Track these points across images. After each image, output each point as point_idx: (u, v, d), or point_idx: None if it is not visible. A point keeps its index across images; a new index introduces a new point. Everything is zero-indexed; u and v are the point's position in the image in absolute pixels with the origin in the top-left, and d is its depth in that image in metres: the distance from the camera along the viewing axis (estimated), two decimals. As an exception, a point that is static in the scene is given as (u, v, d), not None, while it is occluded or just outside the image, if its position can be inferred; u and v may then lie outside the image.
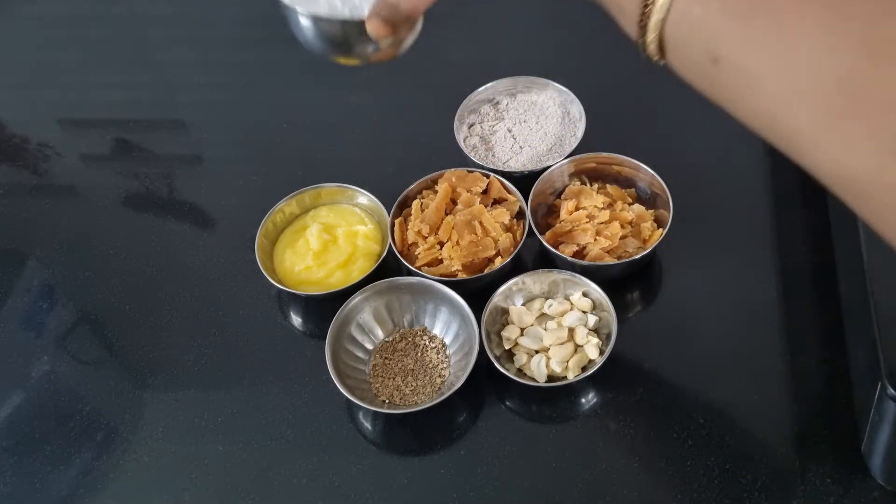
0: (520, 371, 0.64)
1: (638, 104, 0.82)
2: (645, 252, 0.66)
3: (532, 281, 0.66)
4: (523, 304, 0.67)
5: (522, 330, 0.65)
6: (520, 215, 0.71)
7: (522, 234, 0.69)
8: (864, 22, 0.31)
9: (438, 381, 0.65)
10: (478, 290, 0.66)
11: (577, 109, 0.77)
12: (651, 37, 0.37)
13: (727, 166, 0.75)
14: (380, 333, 0.68)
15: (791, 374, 0.62)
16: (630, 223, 0.69)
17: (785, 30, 0.33)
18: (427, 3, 0.45)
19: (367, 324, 0.67)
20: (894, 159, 0.31)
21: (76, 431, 0.66)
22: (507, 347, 0.65)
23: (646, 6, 0.37)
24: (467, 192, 0.71)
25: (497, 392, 0.64)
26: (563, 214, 0.70)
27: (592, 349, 0.63)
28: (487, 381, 0.65)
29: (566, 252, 0.67)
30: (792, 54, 0.32)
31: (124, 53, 0.98)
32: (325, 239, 0.72)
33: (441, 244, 0.69)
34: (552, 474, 0.59)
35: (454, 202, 0.72)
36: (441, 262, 0.69)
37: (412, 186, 0.73)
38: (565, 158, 0.72)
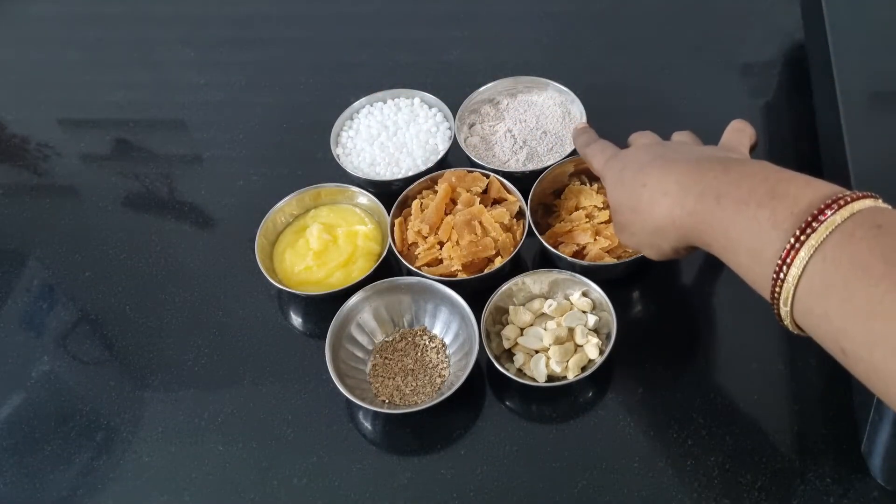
0: (520, 371, 0.64)
1: (638, 104, 0.82)
2: (645, 252, 0.66)
3: (532, 281, 0.66)
4: (523, 304, 0.67)
5: (522, 330, 0.65)
6: (520, 215, 0.71)
7: (522, 234, 0.69)
8: None
9: (438, 381, 0.65)
10: (478, 290, 0.66)
11: (577, 109, 0.77)
12: (786, 321, 0.42)
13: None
14: (380, 333, 0.68)
15: (791, 374, 0.62)
16: (630, 223, 0.69)
17: None
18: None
19: (367, 324, 0.67)
20: None
21: (76, 431, 0.66)
22: (506, 347, 0.65)
23: (774, 298, 0.41)
24: (467, 191, 0.71)
25: (497, 392, 0.64)
26: (563, 214, 0.70)
27: (592, 349, 0.63)
28: (487, 381, 0.65)
29: (566, 252, 0.67)
30: None
31: (124, 53, 0.98)
32: (325, 239, 0.72)
33: (441, 244, 0.69)
34: (552, 474, 0.59)
35: (454, 202, 0.72)
36: (441, 262, 0.69)
37: (412, 186, 0.73)
38: (565, 158, 0.72)
